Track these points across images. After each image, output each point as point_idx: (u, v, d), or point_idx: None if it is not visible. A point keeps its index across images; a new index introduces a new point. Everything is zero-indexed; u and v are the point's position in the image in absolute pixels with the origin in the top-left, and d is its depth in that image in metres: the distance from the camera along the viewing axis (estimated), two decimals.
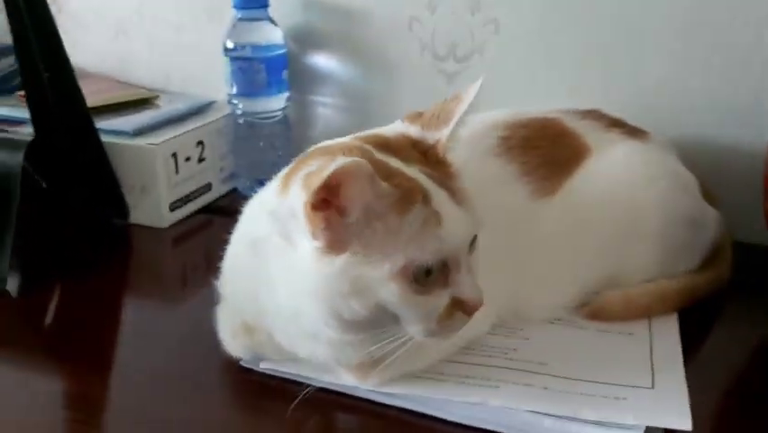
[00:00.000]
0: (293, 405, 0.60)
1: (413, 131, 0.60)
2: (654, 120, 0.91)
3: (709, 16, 0.88)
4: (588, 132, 0.78)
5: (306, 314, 0.56)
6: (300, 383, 0.63)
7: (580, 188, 0.74)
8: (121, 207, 0.97)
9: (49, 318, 0.80)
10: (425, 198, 0.53)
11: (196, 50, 1.16)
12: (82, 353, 0.71)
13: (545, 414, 0.58)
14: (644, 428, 0.56)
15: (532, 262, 0.72)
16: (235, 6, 1.01)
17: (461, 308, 0.55)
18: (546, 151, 0.75)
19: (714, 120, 0.92)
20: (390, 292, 0.53)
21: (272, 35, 1.02)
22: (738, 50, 0.88)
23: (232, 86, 1.03)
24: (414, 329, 0.55)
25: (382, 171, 0.53)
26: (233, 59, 1.02)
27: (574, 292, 0.73)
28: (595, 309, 0.72)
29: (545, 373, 0.64)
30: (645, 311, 0.73)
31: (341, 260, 0.52)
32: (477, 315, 0.67)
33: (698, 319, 0.74)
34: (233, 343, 0.66)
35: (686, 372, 0.64)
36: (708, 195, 0.84)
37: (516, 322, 0.72)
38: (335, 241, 0.52)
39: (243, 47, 1.01)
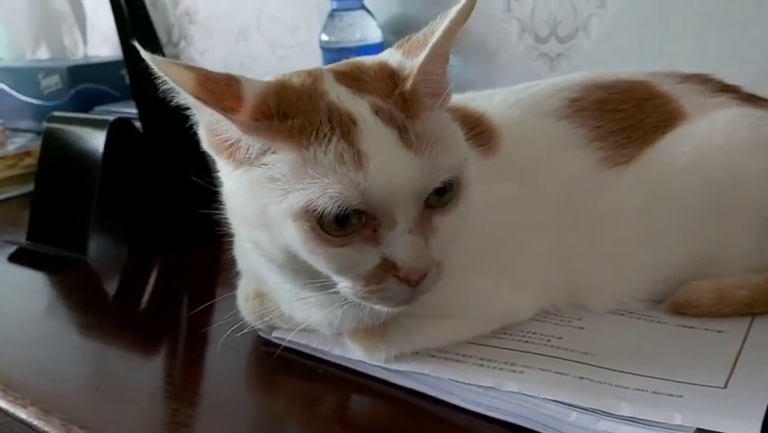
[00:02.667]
0: None
1: (394, 59, 0.50)
2: None
3: None
4: (686, 95, 0.65)
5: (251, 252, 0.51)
6: (313, 357, 0.59)
7: (666, 155, 0.61)
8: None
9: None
10: (345, 133, 0.44)
11: (308, 48, 1.17)
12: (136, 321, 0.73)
13: (572, 406, 0.47)
14: (694, 431, 0.43)
15: (596, 242, 0.60)
16: None
17: (395, 274, 0.46)
18: (627, 115, 0.63)
19: None
20: (290, 235, 0.45)
21: (366, 26, 1.00)
22: None
23: None
24: (340, 286, 0.47)
25: (297, 97, 0.46)
26: (327, 50, 1.00)
27: (651, 280, 0.60)
28: (678, 302, 0.58)
29: (587, 362, 0.52)
30: (746, 307, 0.57)
31: (244, 173, 0.47)
32: (519, 296, 0.58)
33: None
34: (245, 307, 0.61)
35: None
36: None
37: (577, 312, 0.60)
38: (242, 156, 0.46)
39: (337, 39, 1.00)
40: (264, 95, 0.45)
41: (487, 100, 0.65)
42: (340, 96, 0.47)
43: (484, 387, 0.50)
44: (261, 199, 0.46)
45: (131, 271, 0.87)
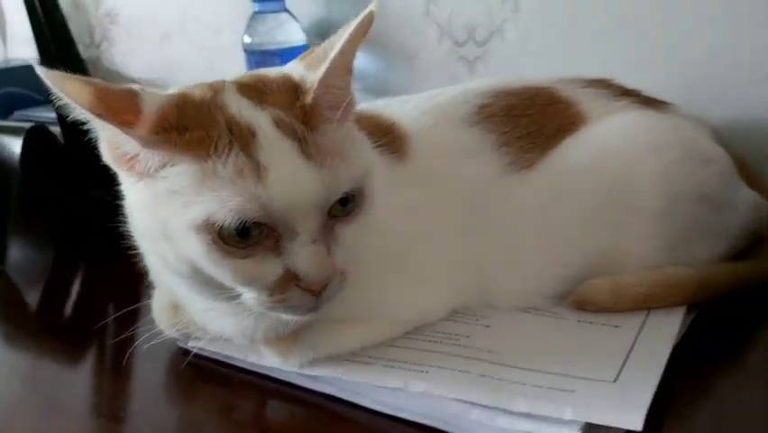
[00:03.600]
0: None
1: (297, 71, 0.51)
2: (698, 98, 0.79)
3: None
4: (588, 100, 0.68)
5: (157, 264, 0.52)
6: (230, 365, 0.60)
7: (565, 158, 0.64)
8: None
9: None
10: (245, 145, 0.45)
11: (234, 51, 1.16)
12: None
13: (473, 403, 0.49)
14: (582, 425, 0.46)
15: (501, 243, 0.62)
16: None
17: (298, 284, 0.47)
18: (532, 120, 0.66)
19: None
20: (192, 248, 0.46)
21: (290, 29, 1.00)
22: None
23: None
24: (244, 297, 0.48)
25: (196, 110, 0.46)
26: (251, 53, 1.01)
27: (553, 278, 0.63)
28: (579, 298, 0.61)
29: (490, 360, 0.54)
30: (642, 302, 0.60)
31: (145, 186, 0.47)
32: (428, 298, 0.60)
33: (733, 319, 0.61)
34: (160, 317, 0.62)
35: (685, 374, 0.53)
36: (754, 180, 0.71)
37: (485, 310, 0.62)
38: (141, 168, 0.47)
39: (260, 42, 1.00)
40: (164, 108, 0.46)
41: (400, 107, 0.66)
42: (241, 108, 0.47)
43: (392, 388, 0.52)
44: (162, 213, 0.46)
45: (51, 279, 0.86)
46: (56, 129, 0.99)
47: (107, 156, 0.49)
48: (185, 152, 0.45)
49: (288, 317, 0.50)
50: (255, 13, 1.01)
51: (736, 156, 0.70)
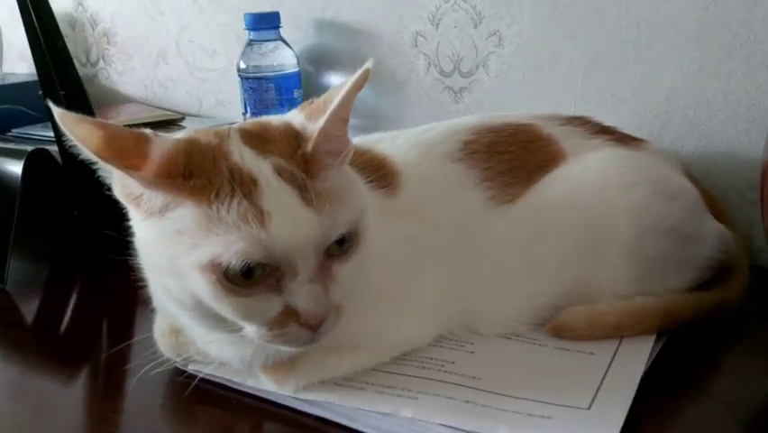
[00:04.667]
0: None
1: (298, 120, 0.54)
2: (670, 131, 0.85)
3: (727, 15, 0.80)
4: (566, 137, 0.73)
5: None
6: (229, 387, 0.62)
7: (545, 194, 0.68)
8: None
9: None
10: (248, 193, 0.48)
11: (228, 73, 1.20)
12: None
13: (457, 429, 0.53)
14: None
15: (484, 273, 0.66)
16: (247, 28, 1.04)
17: (296, 320, 0.50)
18: (514, 156, 0.70)
19: (736, 131, 0.83)
20: (197, 285, 0.49)
21: (283, 55, 1.04)
22: (762, 52, 0.79)
23: (245, 105, 1.06)
24: (246, 331, 0.52)
25: (201, 157, 0.49)
26: (245, 79, 1.04)
27: (533, 307, 0.67)
28: (557, 326, 0.66)
29: (474, 387, 0.58)
30: (614, 330, 0.65)
31: (154, 225, 0.50)
32: (416, 326, 0.64)
33: (699, 347, 0.66)
34: (161, 342, 0.65)
35: (654, 398, 0.57)
36: (721, 212, 0.76)
37: (469, 336, 0.66)
38: (147, 207, 0.50)
39: (255, 67, 1.03)
40: (171, 153, 0.48)
41: (390, 143, 0.70)
42: (244, 156, 0.50)
43: (383, 413, 0.56)
44: (170, 251, 0.49)
45: (50, 299, 0.88)
46: (54, 148, 1.02)
47: (118, 193, 0.52)
48: (188, 196, 0.48)
49: (285, 349, 0.53)
50: (251, 40, 1.04)
51: (704, 189, 0.75)
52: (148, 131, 0.50)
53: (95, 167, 0.49)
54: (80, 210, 0.93)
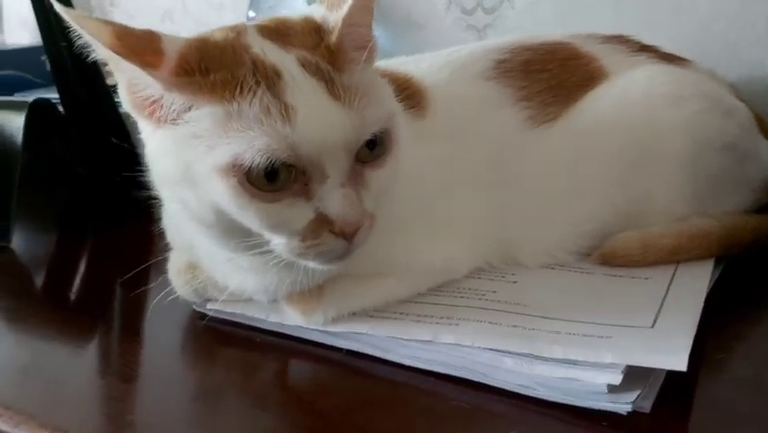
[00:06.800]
0: None
1: (319, 13, 0.49)
2: (709, 58, 0.78)
3: None
4: (607, 55, 0.67)
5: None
6: (250, 327, 0.58)
7: (588, 112, 0.63)
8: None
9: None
10: (271, 86, 0.43)
11: None
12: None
13: (506, 352, 0.48)
14: (624, 368, 0.44)
15: (525, 199, 0.61)
16: None
17: (330, 228, 0.45)
18: (552, 75, 0.64)
19: None
20: (217, 192, 0.44)
21: (293, 2, 0.99)
22: None
23: None
24: (274, 244, 0.47)
25: (220, 52, 0.45)
26: None
27: (578, 234, 0.62)
28: (606, 253, 0.60)
29: (521, 312, 0.53)
30: (670, 255, 0.59)
31: (168, 132, 0.45)
32: (453, 253, 0.59)
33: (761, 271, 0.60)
34: (177, 280, 0.60)
35: (716, 322, 0.52)
36: None
37: (510, 268, 0.61)
38: (163, 114, 0.45)
39: (265, 16, 0.98)
40: (186, 50, 0.44)
41: (415, 64, 0.65)
42: (265, 49, 0.46)
43: (421, 341, 0.50)
44: (185, 157, 0.45)
45: (61, 255, 0.84)
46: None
47: (127, 102, 0.47)
48: (209, 94, 0.44)
49: (316, 265, 0.48)
50: None
51: (753, 112, 0.69)
52: (155, 29, 0.45)
53: (105, 67, 0.47)
54: (84, 161, 0.88)
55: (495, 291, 0.57)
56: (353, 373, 0.52)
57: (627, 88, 0.64)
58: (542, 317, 0.52)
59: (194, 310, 0.61)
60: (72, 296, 0.72)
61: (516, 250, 0.61)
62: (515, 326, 0.51)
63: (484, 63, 0.64)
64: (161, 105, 0.45)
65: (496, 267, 0.61)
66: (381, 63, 0.65)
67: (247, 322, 0.58)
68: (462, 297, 0.56)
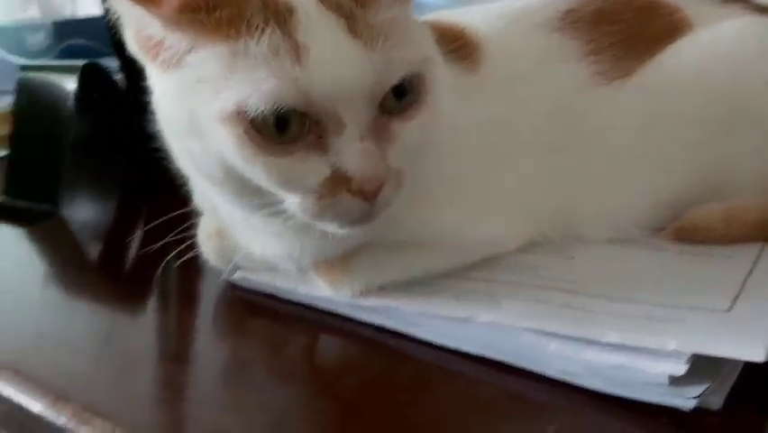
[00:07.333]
0: None
1: None
2: None
3: None
4: (692, 5, 0.59)
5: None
6: (279, 298, 0.54)
7: (668, 68, 0.55)
8: None
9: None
10: (282, 23, 0.38)
11: None
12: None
13: (551, 334, 0.41)
14: (689, 357, 0.37)
15: (590, 164, 0.54)
16: None
17: (348, 187, 0.40)
18: (627, 26, 0.57)
19: None
20: (222, 142, 0.39)
21: None
22: None
23: None
24: (288, 202, 0.41)
25: None
26: None
27: (651, 205, 0.54)
28: (684, 227, 0.53)
29: (573, 290, 0.46)
30: (756, 230, 0.51)
31: (172, 77, 0.41)
32: (501, 225, 0.53)
33: None
34: (205, 245, 0.56)
35: None
36: None
37: (569, 242, 0.54)
38: (167, 57, 0.41)
39: None
40: None
41: (468, 15, 0.59)
42: None
43: (457, 319, 0.45)
44: (190, 104, 0.41)
45: (112, 223, 0.83)
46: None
47: (133, 45, 0.43)
48: (214, 32, 0.39)
49: (335, 230, 0.43)
50: None
51: None
52: None
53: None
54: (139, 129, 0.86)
55: (548, 268, 0.50)
56: (382, 350, 0.47)
57: (714, 42, 0.55)
58: (599, 296, 0.45)
59: (225, 280, 0.57)
60: (119, 265, 0.70)
61: (577, 222, 0.54)
62: (566, 305, 0.44)
63: (547, 13, 0.57)
64: (164, 47, 0.41)
65: (552, 241, 0.54)
66: (431, 14, 0.60)
67: (276, 293, 0.54)
68: (509, 272, 0.50)
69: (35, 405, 0.45)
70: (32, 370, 0.48)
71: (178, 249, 0.54)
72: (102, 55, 1.18)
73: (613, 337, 0.40)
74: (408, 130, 0.42)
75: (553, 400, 0.40)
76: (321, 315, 0.52)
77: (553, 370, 0.41)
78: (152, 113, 0.46)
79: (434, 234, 0.50)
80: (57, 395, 0.45)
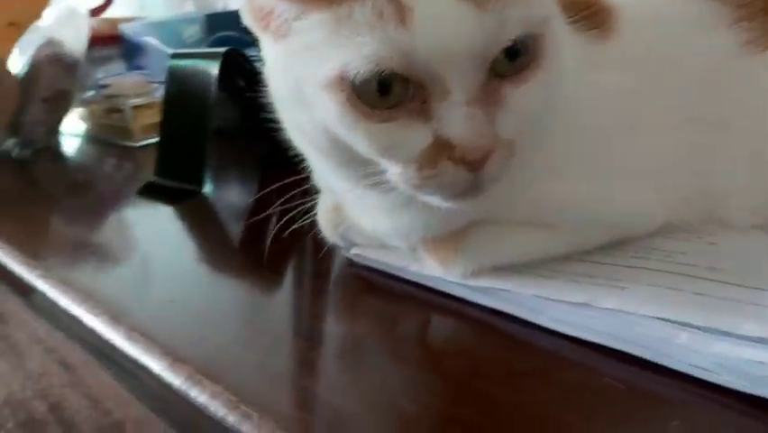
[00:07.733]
0: None
1: None
2: None
3: None
4: None
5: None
6: (392, 276, 0.53)
7: None
8: None
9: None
10: None
11: None
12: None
13: (683, 324, 0.37)
14: None
15: (738, 142, 0.48)
16: None
17: (450, 155, 0.37)
18: None
19: None
20: (325, 109, 0.38)
21: None
22: None
23: None
24: (390, 172, 0.40)
25: None
26: None
27: None
28: None
29: (710, 278, 0.41)
30: None
31: (281, 46, 0.41)
32: (634, 205, 0.49)
33: None
34: (322, 220, 0.56)
35: None
36: None
37: (710, 227, 0.49)
38: (277, 25, 0.41)
39: None
40: None
41: None
42: None
43: (575, 304, 0.41)
44: (296, 72, 0.40)
45: (253, 204, 0.85)
46: None
47: (247, 17, 0.44)
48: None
49: (440, 203, 0.41)
50: None
51: None
52: None
53: None
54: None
55: (684, 253, 0.45)
56: (493, 334, 0.45)
57: None
58: (739, 285, 0.40)
59: (344, 256, 0.57)
60: (259, 246, 0.71)
61: (719, 205, 0.49)
62: (699, 294, 0.40)
63: None
64: (274, 16, 0.41)
65: (692, 225, 0.49)
66: None
67: (389, 270, 0.53)
68: (639, 257, 0.46)
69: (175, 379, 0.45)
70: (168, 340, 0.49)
71: (301, 223, 0.55)
72: (248, 45, 1.23)
73: (752, 330, 0.35)
74: (521, 95, 0.39)
75: (678, 396, 0.36)
76: (432, 294, 0.50)
77: (680, 363, 0.37)
78: (264, 84, 0.47)
79: (555, 213, 0.47)
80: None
